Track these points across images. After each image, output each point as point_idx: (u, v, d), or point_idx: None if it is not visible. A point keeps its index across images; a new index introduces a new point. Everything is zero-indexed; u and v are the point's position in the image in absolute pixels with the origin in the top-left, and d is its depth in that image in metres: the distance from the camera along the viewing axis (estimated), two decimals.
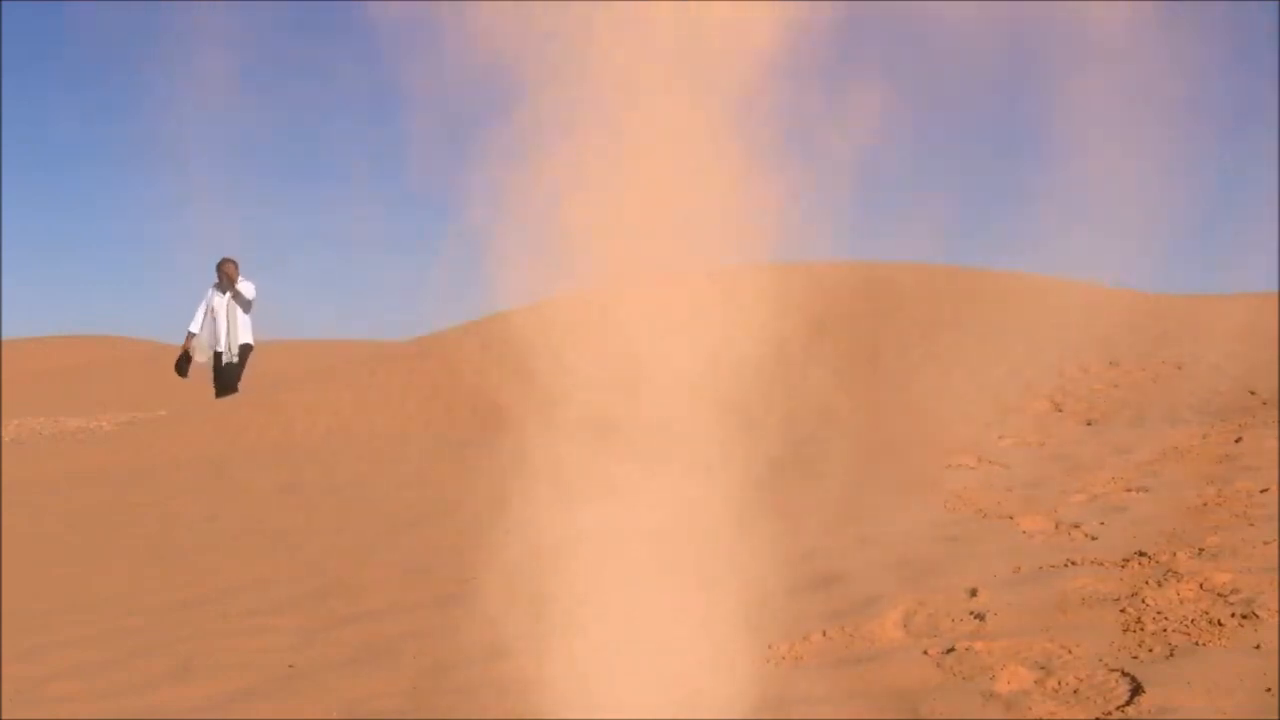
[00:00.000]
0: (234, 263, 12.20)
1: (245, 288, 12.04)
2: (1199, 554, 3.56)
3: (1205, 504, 4.33)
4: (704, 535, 2.23)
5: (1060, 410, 8.16)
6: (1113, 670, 2.68)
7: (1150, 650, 2.78)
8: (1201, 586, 3.23)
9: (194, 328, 11.98)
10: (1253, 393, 7.76)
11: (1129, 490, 4.74)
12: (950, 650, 2.89)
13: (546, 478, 2.23)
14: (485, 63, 2.18)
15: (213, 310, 11.91)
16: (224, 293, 11.93)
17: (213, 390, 12.62)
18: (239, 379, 12.34)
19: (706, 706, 2.30)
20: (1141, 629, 2.93)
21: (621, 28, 2.19)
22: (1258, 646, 2.74)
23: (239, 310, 12.05)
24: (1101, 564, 3.55)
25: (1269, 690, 2.49)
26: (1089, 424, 7.54)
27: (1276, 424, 6.09)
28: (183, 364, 12.08)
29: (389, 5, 2.27)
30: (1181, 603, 3.11)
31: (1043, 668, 2.74)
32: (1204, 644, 2.79)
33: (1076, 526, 4.12)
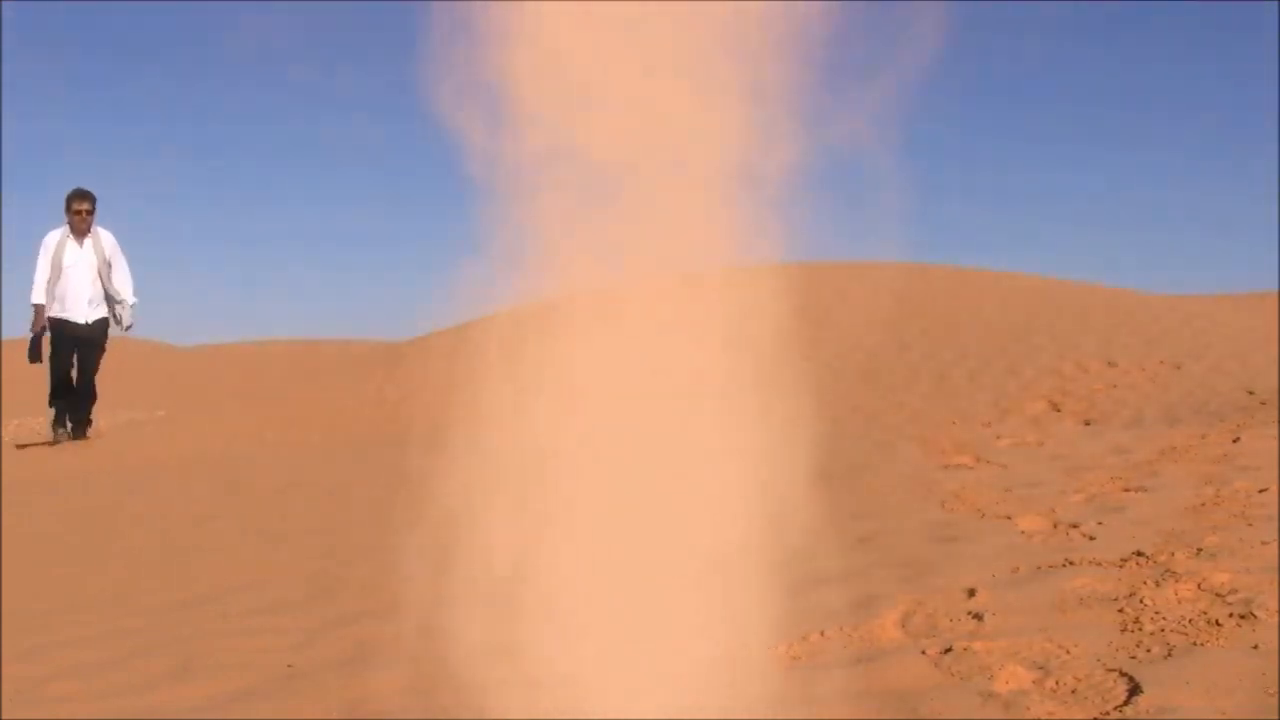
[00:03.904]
0: (90, 198, 8.83)
1: (107, 241, 8.89)
2: (1197, 554, 3.57)
3: (1204, 504, 4.34)
4: (701, 536, 2.24)
5: (1058, 410, 8.17)
6: (1111, 670, 2.69)
7: (1149, 650, 2.79)
8: (1200, 586, 3.23)
9: (40, 298, 8.74)
10: (1251, 393, 7.76)
11: (1127, 490, 4.75)
12: (948, 650, 2.90)
13: (544, 480, 2.23)
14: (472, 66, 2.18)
15: (63, 266, 8.76)
16: (80, 242, 8.82)
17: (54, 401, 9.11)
18: (95, 374, 8.97)
19: (705, 707, 2.30)
20: (1140, 629, 2.94)
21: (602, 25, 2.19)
22: (1256, 646, 2.74)
23: (103, 262, 8.84)
24: (1100, 564, 3.56)
25: (1269, 692, 2.49)
26: (1087, 424, 7.55)
27: (1275, 424, 6.10)
28: (36, 348, 8.87)
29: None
30: (1180, 603, 3.12)
31: (1041, 668, 2.74)
32: (1202, 644, 2.79)
33: (1075, 526, 4.13)
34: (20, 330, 9.12)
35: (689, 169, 2.24)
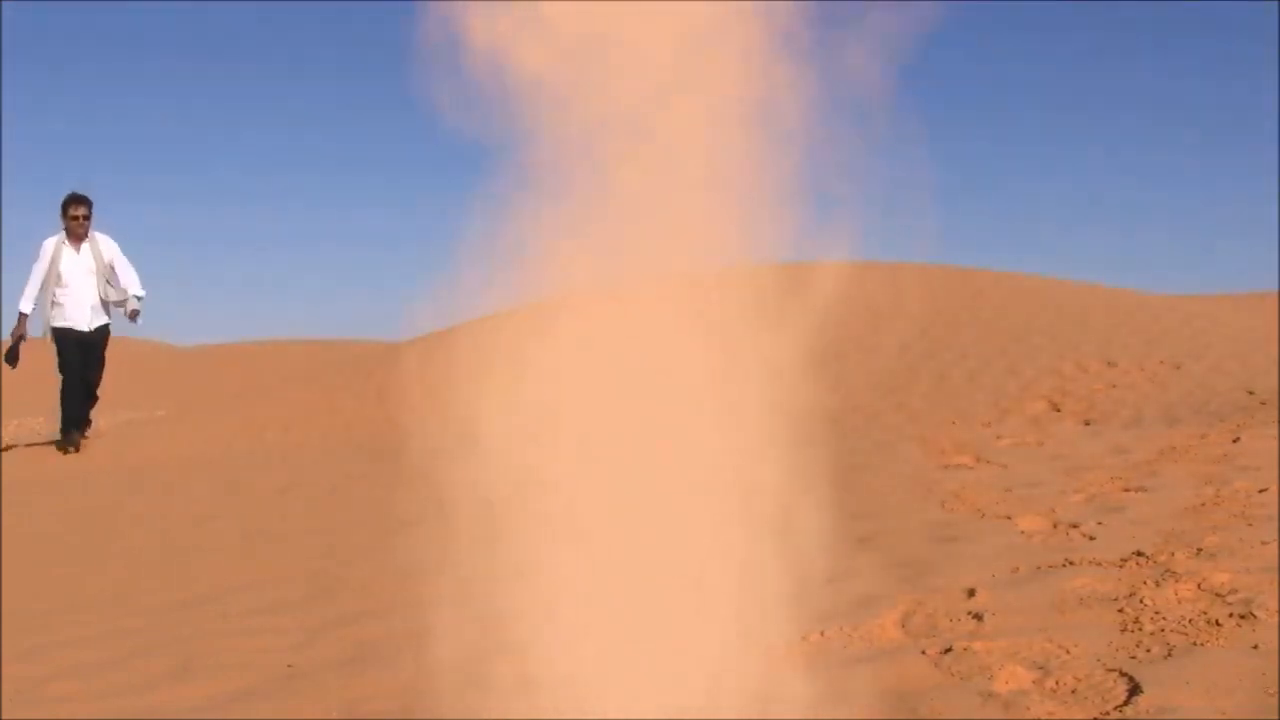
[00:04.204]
0: (87, 203, 8.58)
1: (105, 245, 8.65)
2: (1197, 554, 3.57)
3: (1203, 504, 4.34)
4: (701, 537, 2.24)
5: (1058, 410, 8.17)
6: (1111, 670, 2.69)
7: (1148, 650, 2.79)
8: (1200, 586, 3.23)
9: (27, 306, 8.52)
10: (1251, 393, 7.76)
11: (1127, 490, 4.75)
12: (948, 650, 2.90)
13: (544, 479, 2.23)
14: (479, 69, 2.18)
15: (59, 276, 8.51)
16: (76, 248, 8.54)
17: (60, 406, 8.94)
18: (98, 381, 8.82)
19: (705, 707, 2.30)
20: (1140, 629, 2.94)
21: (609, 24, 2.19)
22: (1256, 646, 2.74)
23: (103, 267, 8.56)
24: (1100, 564, 3.56)
25: (1269, 692, 2.49)
26: (1087, 424, 7.55)
27: (1275, 424, 6.10)
28: (14, 353, 8.69)
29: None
30: (1180, 603, 3.12)
31: (1041, 668, 2.74)
32: (1202, 644, 2.79)
33: (1075, 526, 4.13)
34: None
35: (689, 170, 2.24)
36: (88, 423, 9.27)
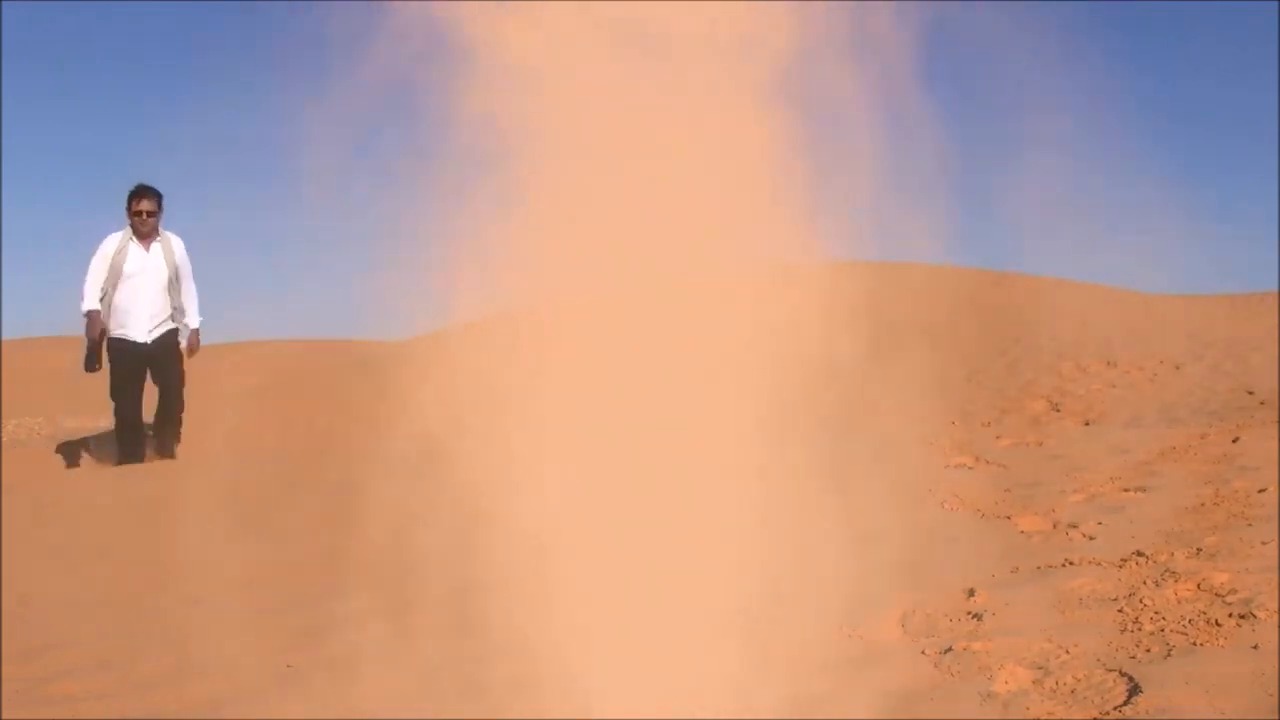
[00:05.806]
0: (154, 196, 7.49)
1: (175, 245, 7.59)
2: (1197, 554, 3.57)
3: (1203, 504, 4.34)
4: (702, 537, 2.24)
5: (1058, 410, 8.17)
6: (1110, 670, 2.69)
7: (1148, 650, 2.79)
8: (1199, 586, 3.23)
9: (94, 303, 7.40)
10: (1250, 393, 7.77)
11: (1127, 490, 4.75)
12: (948, 650, 2.90)
13: (544, 479, 2.23)
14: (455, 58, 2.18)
15: (124, 274, 7.41)
16: (145, 247, 7.48)
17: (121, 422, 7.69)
18: (181, 388, 7.67)
19: (705, 707, 2.30)
20: (1139, 629, 2.94)
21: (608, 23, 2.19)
22: (1256, 646, 2.74)
23: (174, 271, 7.54)
24: (1099, 564, 3.56)
25: (1269, 693, 2.49)
26: (1087, 424, 7.55)
27: (1275, 424, 6.10)
28: (93, 358, 7.54)
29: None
30: (1179, 603, 3.12)
31: (1040, 668, 2.74)
32: (1202, 644, 2.79)
33: (1074, 526, 4.13)
34: (21, 330, 8.87)
35: (701, 173, 2.24)
36: (178, 437, 7.91)
